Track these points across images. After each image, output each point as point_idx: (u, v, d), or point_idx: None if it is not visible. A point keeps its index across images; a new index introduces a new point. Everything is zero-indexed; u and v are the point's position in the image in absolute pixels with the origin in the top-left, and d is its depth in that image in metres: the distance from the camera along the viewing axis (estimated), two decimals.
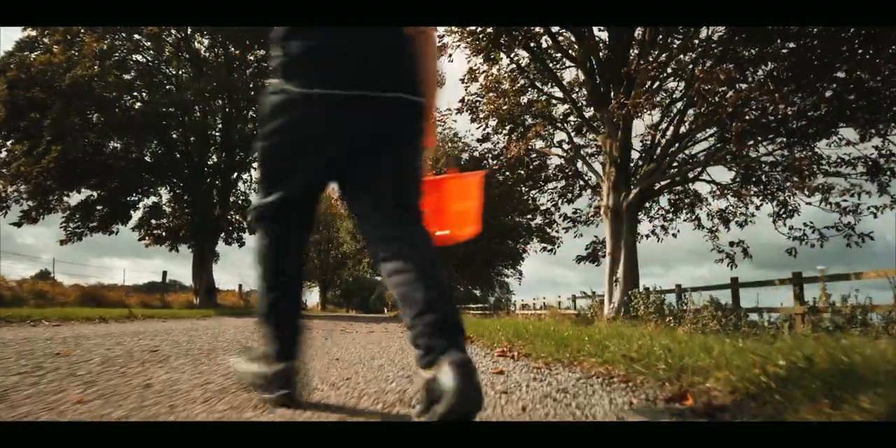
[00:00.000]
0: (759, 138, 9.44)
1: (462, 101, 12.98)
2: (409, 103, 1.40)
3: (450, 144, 32.86)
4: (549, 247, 25.51)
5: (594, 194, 14.04)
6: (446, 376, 1.12)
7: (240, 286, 26.53)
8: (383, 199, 1.40)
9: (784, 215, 11.58)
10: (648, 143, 11.71)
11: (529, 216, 31.88)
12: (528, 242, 34.06)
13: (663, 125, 11.53)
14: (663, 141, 11.33)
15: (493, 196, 30.31)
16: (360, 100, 1.34)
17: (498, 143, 13.92)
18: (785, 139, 9.66)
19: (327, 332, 6.12)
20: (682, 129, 10.81)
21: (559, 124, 12.66)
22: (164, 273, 19.29)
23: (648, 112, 9.44)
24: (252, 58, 19.82)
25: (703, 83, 7.98)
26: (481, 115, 12.70)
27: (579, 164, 13.06)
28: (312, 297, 51.97)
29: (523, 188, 14.44)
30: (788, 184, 10.55)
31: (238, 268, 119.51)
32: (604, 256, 15.02)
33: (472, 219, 1.69)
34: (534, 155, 12.98)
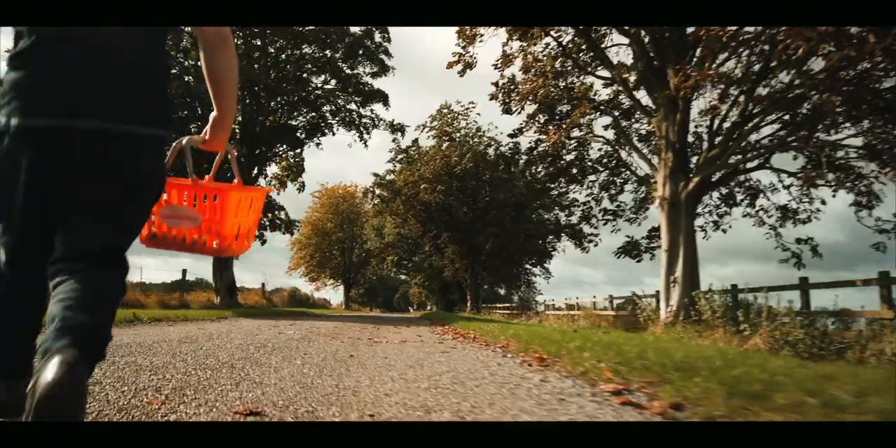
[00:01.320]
0: (854, 114, 8.12)
1: (496, 84, 11.85)
2: (125, 135, 1.25)
3: (475, 139, 31.91)
4: (583, 244, 24.34)
5: (639, 186, 12.80)
6: (46, 368, 1.01)
7: (262, 285, 25.80)
8: (72, 245, 1.30)
9: (868, 204, 10.20)
10: (709, 125, 10.43)
11: (559, 212, 30.87)
12: (557, 240, 32.95)
13: (724, 106, 10.25)
14: (726, 123, 10.06)
15: (520, 193, 29.43)
16: (55, 131, 1.20)
17: (532, 133, 12.76)
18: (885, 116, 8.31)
19: (351, 344, 5.11)
20: (752, 108, 9.49)
21: (604, 108, 11.44)
22: (184, 271, 18.63)
23: (717, 86, 8.19)
24: (272, 50, 18.97)
25: (788, 40, 6.62)
26: (516, 99, 11.53)
27: (624, 153, 11.84)
28: (336, 296, 51.51)
29: (560, 182, 13.22)
30: (882, 170, 9.18)
31: (262, 266, 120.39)
32: (643, 252, 13.80)
33: (249, 233, 1.65)
34: (574, 143, 11.77)
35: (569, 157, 12.10)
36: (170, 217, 1.53)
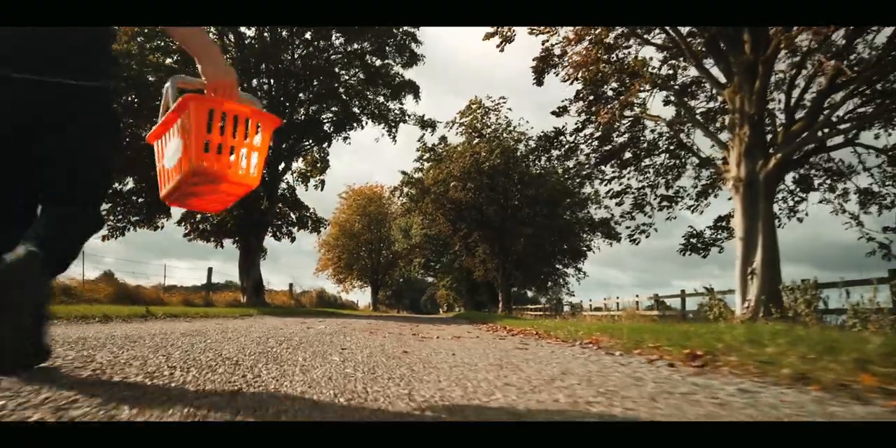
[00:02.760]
0: None
1: (542, 58, 10.72)
2: (62, 86, 1.35)
3: (505, 135, 30.78)
4: (618, 241, 23.00)
5: (700, 168, 11.49)
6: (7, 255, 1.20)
7: (290, 286, 25.08)
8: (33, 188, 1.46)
9: None
10: (786, 96, 9.16)
11: (594, 207, 29.47)
12: (591, 238, 31.49)
13: (803, 76, 8.99)
14: (808, 93, 8.80)
15: (552, 188, 28.19)
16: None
17: (576, 112, 11.56)
18: None
19: (397, 339, 4.12)
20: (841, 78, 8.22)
21: (662, 83, 10.21)
22: (210, 270, 17.94)
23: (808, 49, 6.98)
24: (299, 41, 18.20)
25: None
26: (563, 73, 10.39)
27: (683, 134, 10.57)
28: (363, 297, 50.93)
29: (608, 168, 12.00)
30: None
31: (290, 268, 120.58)
32: (710, 245, 12.48)
33: (240, 155, 1.45)
34: (626, 123, 10.58)
35: (620, 140, 10.89)
36: (167, 158, 1.42)
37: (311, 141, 19.10)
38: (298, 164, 20.78)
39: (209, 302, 15.33)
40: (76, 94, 1.35)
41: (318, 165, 20.16)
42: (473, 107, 29.70)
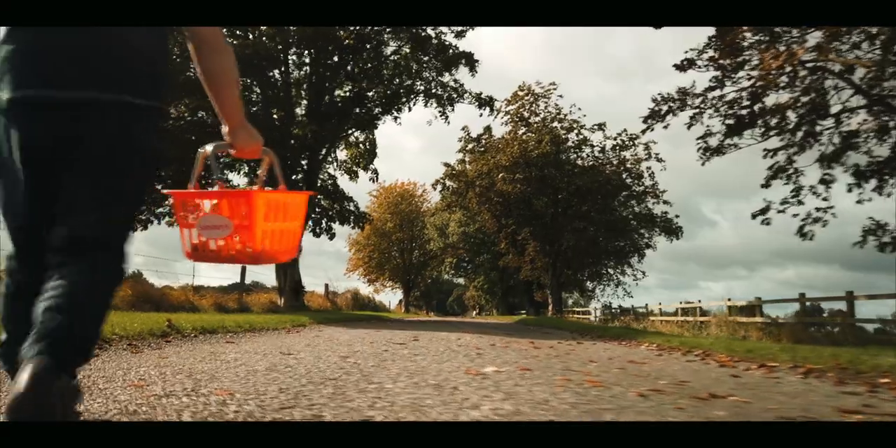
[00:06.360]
0: None
1: None
2: (114, 104, 1.19)
3: (556, 123, 28.34)
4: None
5: None
6: (18, 377, 1.04)
7: (326, 286, 22.90)
8: (58, 233, 1.21)
9: None
10: None
11: (652, 201, 26.87)
12: (649, 234, 28.79)
13: None
14: None
15: (601, 184, 25.70)
16: (42, 101, 1.15)
17: (704, 65, 9.03)
18: None
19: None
20: None
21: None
22: (243, 269, 15.89)
23: None
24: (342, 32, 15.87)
25: None
26: None
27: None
28: (393, 298, 49.12)
29: (741, 139, 9.42)
30: None
31: (318, 270, 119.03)
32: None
33: (288, 239, 1.56)
34: (807, 67, 7.94)
35: (769, 100, 8.38)
36: (205, 227, 1.45)
37: (353, 129, 16.96)
38: (342, 155, 18.70)
39: (244, 305, 13.25)
40: (131, 113, 1.21)
41: (366, 155, 18.03)
42: (521, 94, 27.37)
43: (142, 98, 1.21)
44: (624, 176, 27.28)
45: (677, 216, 28.23)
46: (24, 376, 1.02)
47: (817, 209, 9.67)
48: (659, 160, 27.01)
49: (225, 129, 1.42)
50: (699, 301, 19.30)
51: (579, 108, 44.53)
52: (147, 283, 12.29)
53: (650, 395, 2.12)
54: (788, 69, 7.23)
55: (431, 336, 6.00)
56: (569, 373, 2.81)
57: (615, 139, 27.34)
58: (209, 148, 1.43)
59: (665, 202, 27.94)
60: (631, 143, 26.82)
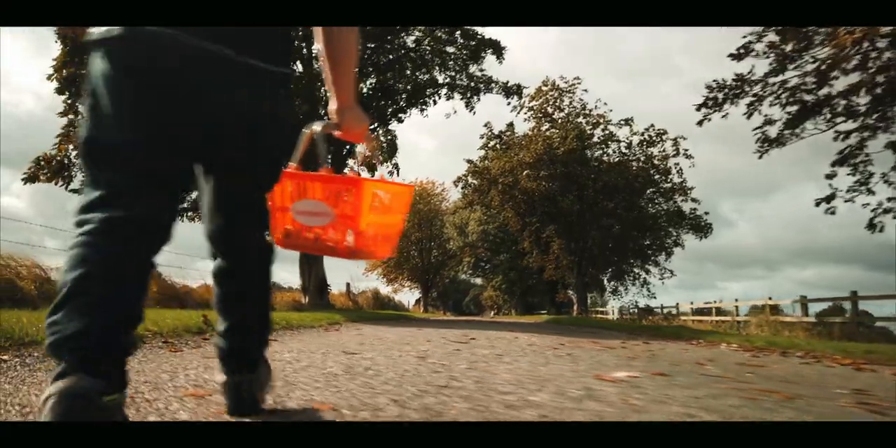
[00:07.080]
0: None
1: None
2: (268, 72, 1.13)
3: (580, 118, 27.65)
4: (707, 235, 19.58)
5: None
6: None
7: (347, 285, 22.44)
8: (221, 234, 1.26)
9: None
10: None
11: (680, 198, 26.09)
12: (677, 232, 27.94)
13: None
14: None
15: (628, 181, 24.96)
16: (224, 59, 1.06)
17: (763, 56, 8.37)
18: None
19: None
20: None
21: None
22: None
23: None
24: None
25: None
26: None
27: None
28: (411, 298, 48.74)
29: (804, 129, 8.70)
30: None
31: (343, 265, 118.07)
32: None
33: (390, 234, 1.44)
34: (859, 56, 7.33)
35: (837, 84, 7.69)
36: (302, 213, 1.34)
37: (377, 118, 16.50)
38: (360, 149, 18.23)
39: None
40: (281, 82, 1.17)
41: (388, 149, 17.56)
42: (545, 89, 26.73)
43: (279, 65, 1.17)
44: (651, 172, 26.57)
45: (706, 213, 27.47)
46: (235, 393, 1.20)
47: (889, 199, 8.96)
48: (688, 156, 26.29)
49: (332, 106, 1.31)
50: (736, 300, 18.55)
51: (605, 103, 43.76)
52: (167, 281, 11.89)
53: (858, 407, 1.57)
54: (866, 45, 6.59)
55: (485, 335, 5.47)
56: (715, 379, 2.25)
57: (642, 134, 26.61)
58: (316, 127, 1.34)
59: (693, 200, 27.24)
60: (658, 138, 26.10)
